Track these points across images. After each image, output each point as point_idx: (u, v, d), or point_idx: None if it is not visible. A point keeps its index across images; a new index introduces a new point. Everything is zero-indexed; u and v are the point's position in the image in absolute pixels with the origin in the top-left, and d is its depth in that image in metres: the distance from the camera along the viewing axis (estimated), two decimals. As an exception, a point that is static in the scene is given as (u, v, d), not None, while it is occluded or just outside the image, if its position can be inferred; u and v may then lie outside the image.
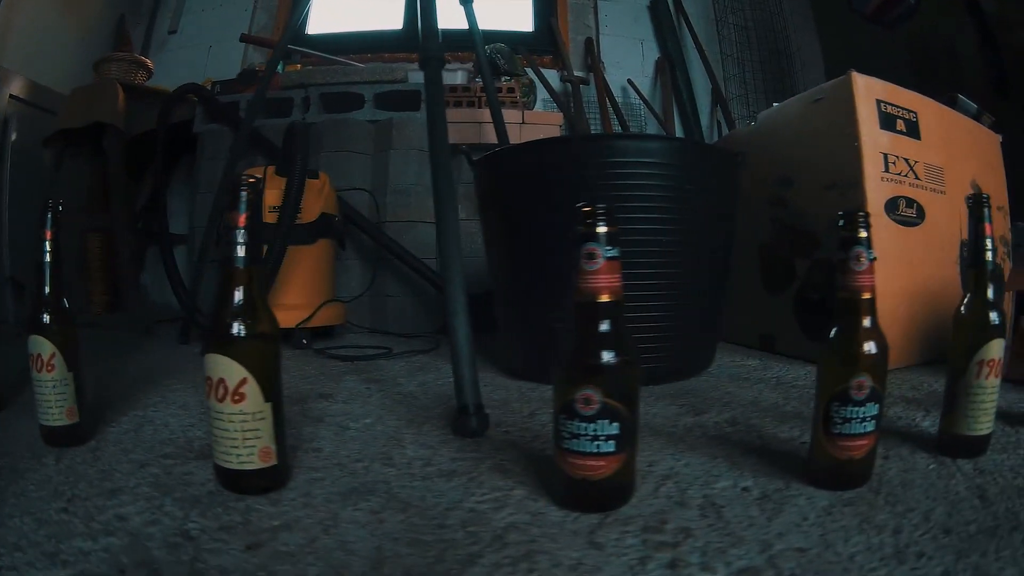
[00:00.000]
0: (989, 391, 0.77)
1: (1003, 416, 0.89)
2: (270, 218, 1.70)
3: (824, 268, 1.47)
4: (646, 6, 2.67)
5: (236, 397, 0.59)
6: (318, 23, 2.65)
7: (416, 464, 0.76)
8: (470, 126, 2.09)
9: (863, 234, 0.69)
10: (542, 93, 2.46)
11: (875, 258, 0.70)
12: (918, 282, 1.43)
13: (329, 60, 2.28)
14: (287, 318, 1.77)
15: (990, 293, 0.80)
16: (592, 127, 2.43)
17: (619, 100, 2.54)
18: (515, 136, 2.01)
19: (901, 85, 1.45)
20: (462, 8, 1.82)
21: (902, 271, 1.41)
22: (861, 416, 0.67)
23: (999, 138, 1.73)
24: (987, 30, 2.49)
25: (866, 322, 0.70)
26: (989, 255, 0.81)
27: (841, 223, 0.70)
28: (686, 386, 1.24)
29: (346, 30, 2.59)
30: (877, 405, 0.68)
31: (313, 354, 1.63)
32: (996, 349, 0.77)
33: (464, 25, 2.44)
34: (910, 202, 1.43)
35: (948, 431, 0.79)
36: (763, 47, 2.67)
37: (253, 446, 0.61)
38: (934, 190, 1.48)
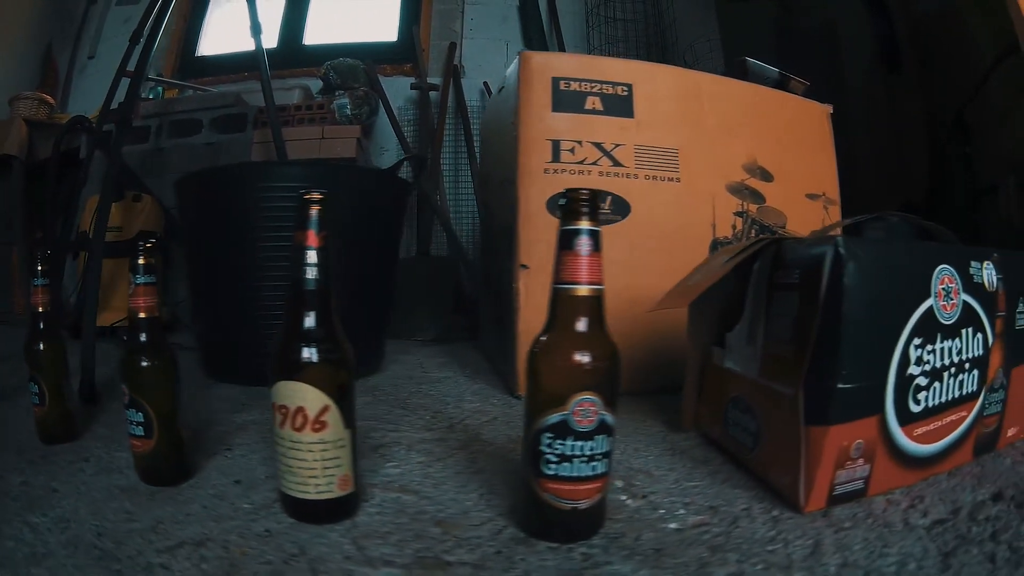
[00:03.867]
0: (288, 444, 0.50)
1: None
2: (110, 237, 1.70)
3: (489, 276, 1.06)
4: (516, 6, 2.23)
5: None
6: (210, 45, 2.44)
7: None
8: (305, 143, 1.90)
9: (141, 261, 0.59)
10: (399, 101, 2.11)
11: (146, 282, 0.60)
12: (612, 294, 0.95)
13: (183, 86, 2.08)
14: (109, 318, 1.75)
15: (308, 321, 0.52)
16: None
17: (477, 103, 2.13)
18: (314, 151, 1.85)
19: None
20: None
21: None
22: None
23: (828, 109, 1.21)
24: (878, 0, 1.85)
25: (142, 337, 0.60)
26: (310, 273, 0.51)
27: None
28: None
29: (228, 51, 2.36)
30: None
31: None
32: (299, 394, 0.49)
33: (316, 40, 2.27)
34: (600, 196, 0.95)
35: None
36: (640, 40, 2.14)
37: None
38: (655, 177, 1.02)
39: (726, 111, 1.06)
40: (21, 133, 2.14)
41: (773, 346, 0.62)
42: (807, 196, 1.11)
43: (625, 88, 1.01)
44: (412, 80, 2.13)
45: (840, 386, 0.54)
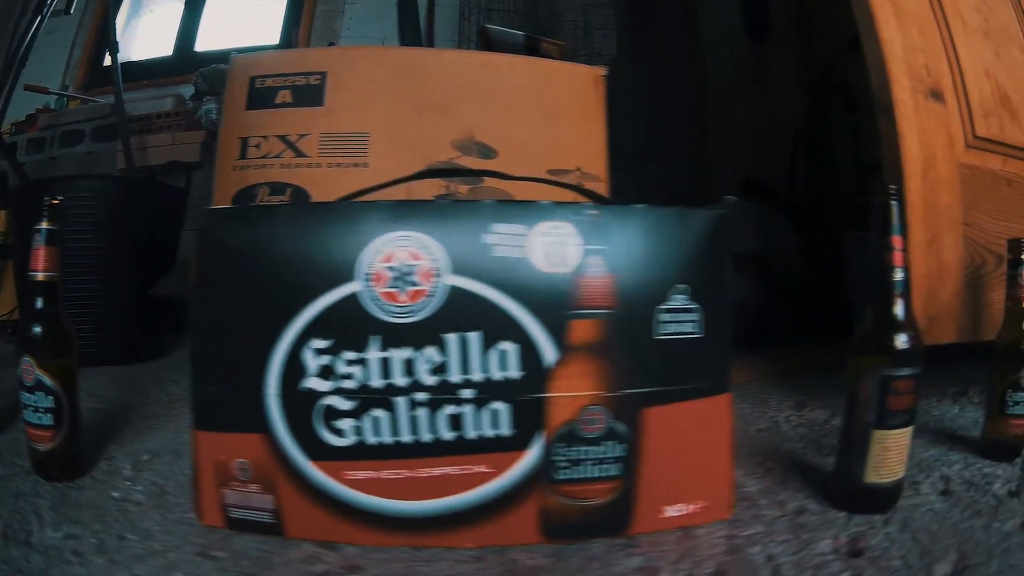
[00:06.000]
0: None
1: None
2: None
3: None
4: (395, 3, 2.06)
5: None
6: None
7: None
8: (158, 149, 1.85)
9: None
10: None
11: None
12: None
13: (80, 98, 2.04)
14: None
15: None
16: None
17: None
18: (167, 156, 1.80)
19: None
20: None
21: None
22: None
23: (598, 72, 0.99)
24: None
25: None
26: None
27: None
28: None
29: (132, 60, 2.31)
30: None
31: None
32: None
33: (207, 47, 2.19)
34: (279, 188, 0.88)
35: None
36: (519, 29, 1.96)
37: None
38: (340, 165, 0.88)
39: (444, 86, 0.90)
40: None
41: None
42: (550, 172, 0.92)
43: (318, 77, 0.89)
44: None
45: (202, 387, 0.40)
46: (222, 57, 2.07)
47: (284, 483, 0.40)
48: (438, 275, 0.38)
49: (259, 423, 0.39)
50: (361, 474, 0.39)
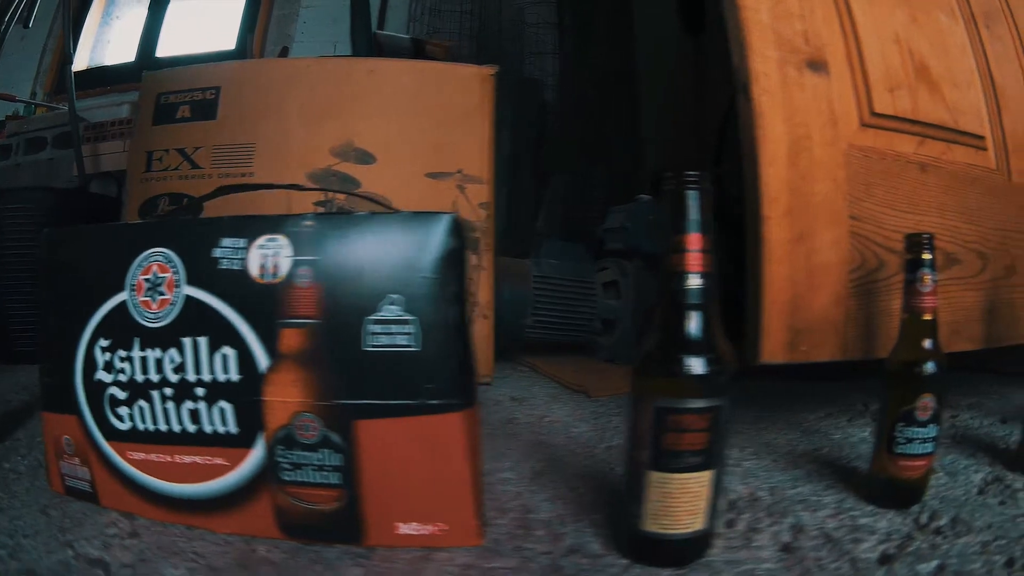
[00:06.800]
0: None
1: None
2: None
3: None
4: (347, 6, 2.12)
5: None
6: (81, 62, 2.47)
7: None
8: (111, 156, 1.92)
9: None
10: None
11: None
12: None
13: (46, 106, 2.17)
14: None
15: None
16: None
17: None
18: (119, 163, 1.80)
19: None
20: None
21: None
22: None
23: (485, 72, 1.00)
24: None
25: None
26: None
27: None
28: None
29: (97, 66, 2.40)
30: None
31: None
32: None
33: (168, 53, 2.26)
34: (177, 198, 0.99)
35: None
36: (470, 31, 2.00)
37: None
38: (228, 175, 0.98)
39: (329, 94, 0.97)
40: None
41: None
42: (428, 175, 0.97)
43: (213, 91, 0.98)
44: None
45: (43, 377, 0.48)
46: (185, 62, 2.15)
47: (93, 458, 0.48)
48: (179, 286, 0.44)
49: (73, 406, 0.47)
50: (138, 455, 0.47)
